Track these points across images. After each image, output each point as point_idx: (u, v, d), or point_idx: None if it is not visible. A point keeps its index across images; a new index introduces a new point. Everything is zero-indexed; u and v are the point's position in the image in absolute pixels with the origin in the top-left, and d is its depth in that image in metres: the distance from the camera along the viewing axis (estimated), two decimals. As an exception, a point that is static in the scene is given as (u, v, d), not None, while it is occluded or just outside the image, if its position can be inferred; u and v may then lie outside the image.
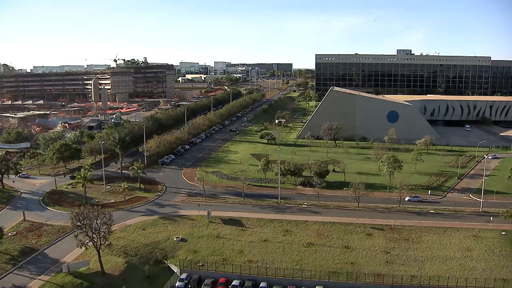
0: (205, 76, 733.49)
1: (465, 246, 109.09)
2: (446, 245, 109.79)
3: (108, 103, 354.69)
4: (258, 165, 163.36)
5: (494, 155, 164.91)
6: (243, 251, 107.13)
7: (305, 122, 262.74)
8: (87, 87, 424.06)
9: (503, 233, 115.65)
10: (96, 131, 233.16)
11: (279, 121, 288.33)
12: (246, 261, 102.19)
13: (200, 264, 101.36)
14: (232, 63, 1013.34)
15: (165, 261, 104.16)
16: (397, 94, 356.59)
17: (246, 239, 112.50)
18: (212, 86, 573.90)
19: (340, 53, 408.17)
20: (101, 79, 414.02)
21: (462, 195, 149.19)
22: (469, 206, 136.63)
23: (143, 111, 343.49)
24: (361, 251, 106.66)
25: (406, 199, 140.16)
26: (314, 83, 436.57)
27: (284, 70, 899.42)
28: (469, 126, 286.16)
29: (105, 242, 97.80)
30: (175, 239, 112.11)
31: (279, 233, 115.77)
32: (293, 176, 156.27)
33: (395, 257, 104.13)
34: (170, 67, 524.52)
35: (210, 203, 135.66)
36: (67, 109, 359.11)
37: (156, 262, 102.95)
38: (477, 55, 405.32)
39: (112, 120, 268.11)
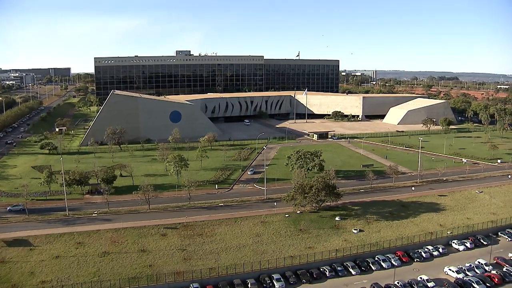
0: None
1: (255, 232, 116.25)
2: (238, 234, 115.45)
3: None
4: (40, 178, 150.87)
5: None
6: (34, 272, 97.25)
7: (88, 128, 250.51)
8: None
9: (286, 215, 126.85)
10: None
11: (59, 129, 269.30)
12: (38, 282, 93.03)
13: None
14: (3, 69, 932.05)
15: None
16: (179, 94, 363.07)
17: (36, 259, 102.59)
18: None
19: (120, 56, 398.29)
20: None
21: (247, 185, 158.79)
22: (255, 195, 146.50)
23: None
24: (158, 252, 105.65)
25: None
26: (95, 87, 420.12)
27: (62, 75, 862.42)
28: (248, 121, 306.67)
29: None
30: None
31: (71, 246, 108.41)
32: (79, 185, 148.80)
33: (191, 253, 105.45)
34: None
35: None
36: None
37: None
38: (251, 55, 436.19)
39: None
